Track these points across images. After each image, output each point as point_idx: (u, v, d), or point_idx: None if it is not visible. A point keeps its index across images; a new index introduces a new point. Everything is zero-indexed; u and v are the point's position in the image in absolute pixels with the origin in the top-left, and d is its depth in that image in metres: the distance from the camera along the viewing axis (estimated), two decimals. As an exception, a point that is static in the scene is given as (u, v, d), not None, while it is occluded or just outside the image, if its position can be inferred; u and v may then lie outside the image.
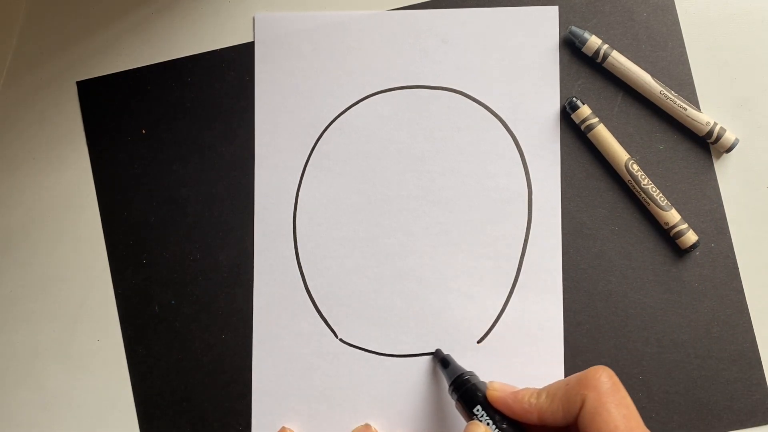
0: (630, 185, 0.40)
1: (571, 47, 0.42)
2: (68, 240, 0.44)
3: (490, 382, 0.36)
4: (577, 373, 0.33)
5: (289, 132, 0.43)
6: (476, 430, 0.33)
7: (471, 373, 0.37)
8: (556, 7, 0.42)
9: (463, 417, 0.36)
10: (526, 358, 0.40)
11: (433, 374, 0.41)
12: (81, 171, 0.44)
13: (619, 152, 0.40)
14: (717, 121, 0.40)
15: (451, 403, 0.40)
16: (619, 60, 0.41)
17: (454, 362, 0.39)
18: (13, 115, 0.44)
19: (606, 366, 0.32)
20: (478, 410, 0.35)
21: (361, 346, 0.42)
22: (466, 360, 0.41)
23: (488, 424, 0.34)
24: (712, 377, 0.40)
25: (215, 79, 0.43)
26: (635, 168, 0.40)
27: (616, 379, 0.32)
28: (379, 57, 0.43)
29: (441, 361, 0.40)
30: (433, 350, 0.41)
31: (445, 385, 0.39)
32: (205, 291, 0.43)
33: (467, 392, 0.36)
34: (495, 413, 0.34)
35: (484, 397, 0.35)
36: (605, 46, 0.41)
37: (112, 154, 0.44)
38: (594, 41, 0.41)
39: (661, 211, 0.40)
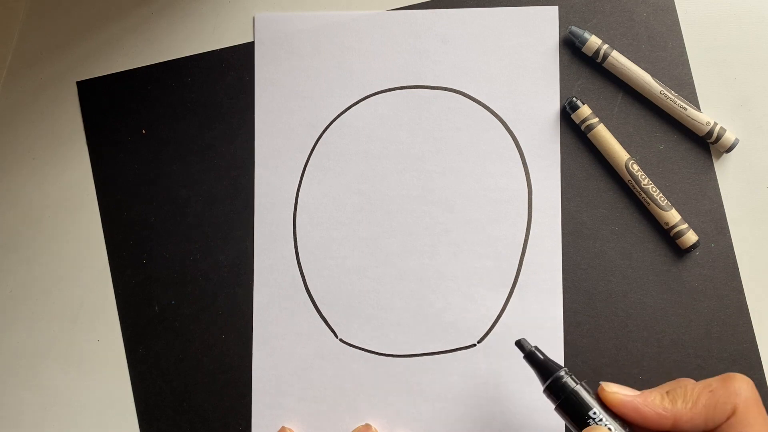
0: (630, 185, 0.40)
1: (571, 47, 0.42)
2: (68, 240, 0.44)
3: (603, 383, 0.32)
4: (718, 379, 0.31)
5: (289, 132, 0.43)
6: None
7: (566, 370, 0.34)
8: (556, 7, 0.42)
9: (566, 421, 0.33)
10: (526, 358, 0.40)
11: (433, 374, 0.41)
12: (81, 171, 0.44)
13: (619, 152, 0.40)
14: (717, 121, 0.40)
15: (450, 402, 0.40)
16: (619, 60, 0.41)
17: (547, 357, 0.34)
18: (13, 115, 0.44)
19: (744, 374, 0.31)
20: (594, 414, 0.31)
21: (361, 346, 0.41)
22: (466, 360, 0.41)
23: (610, 430, 0.31)
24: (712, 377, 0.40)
25: (215, 79, 0.43)
26: (635, 168, 0.40)
27: (756, 390, 0.31)
28: (379, 57, 0.43)
29: (528, 355, 0.35)
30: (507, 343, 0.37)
31: (445, 384, 0.39)
32: (205, 291, 0.43)
33: (574, 395, 0.32)
34: (614, 417, 0.31)
35: (598, 398, 0.32)
36: (605, 46, 0.41)
37: (112, 154, 0.44)
38: (594, 41, 0.41)
39: (661, 211, 0.40)
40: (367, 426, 0.40)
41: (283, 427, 0.41)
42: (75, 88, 0.44)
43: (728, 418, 0.30)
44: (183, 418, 0.42)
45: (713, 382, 0.31)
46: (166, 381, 0.42)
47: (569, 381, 0.33)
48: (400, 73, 0.42)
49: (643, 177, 0.40)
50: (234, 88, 0.43)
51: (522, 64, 0.42)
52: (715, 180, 0.41)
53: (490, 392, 0.40)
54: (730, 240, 0.41)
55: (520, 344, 0.36)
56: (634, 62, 0.41)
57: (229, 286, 0.42)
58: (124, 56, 0.44)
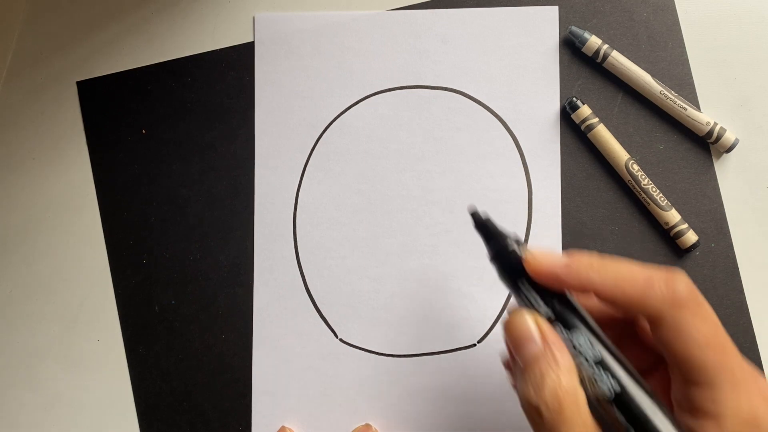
0: (630, 185, 0.40)
1: (571, 47, 0.42)
2: (68, 240, 0.44)
3: (526, 252, 0.29)
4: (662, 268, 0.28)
5: (289, 132, 0.43)
6: (519, 322, 0.28)
7: (512, 238, 0.30)
8: (556, 7, 0.42)
9: (507, 287, 0.31)
10: (526, 358, 0.40)
11: (433, 374, 0.41)
12: (81, 171, 0.44)
13: (619, 152, 0.40)
14: (717, 121, 0.40)
15: (450, 402, 0.40)
16: (619, 60, 0.41)
17: (495, 227, 0.31)
18: (13, 115, 0.44)
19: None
20: (523, 284, 0.29)
21: (361, 346, 0.42)
22: (466, 360, 0.41)
23: (531, 303, 0.29)
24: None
25: (215, 79, 0.43)
26: (635, 168, 0.40)
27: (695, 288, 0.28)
28: (379, 57, 0.43)
29: (479, 226, 0.32)
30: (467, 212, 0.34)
31: (445, 384, 0.39)
32: (205, 291, 0.43)
33: (508, 263, 0.30)
34: (540, 289, 0.29)
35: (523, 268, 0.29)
36: (605, 46, 0.41)
37: (112, 154, 0.44)
38: (594, 41, 0.41)
39: (661, 211, 0.40)
40: (367, 426, 0.40)
41: (283, 427, 0.41)
42: (75, 88, 0.44)
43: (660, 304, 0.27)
44: (183, 418, 0.42)
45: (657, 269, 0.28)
46: (166, 381, 0.42)
47: (503, 249, 0.30)
48: (400, 73, 0.42)
49: (643, 177, 0.40)
50: (234, 88, 0.43)
51: (522, 64, 0.42)
52: (715, 180, 0.41)
53: (490, 392, 0.40)
54: (730, 240, 0.41)
55: (473, 215, 0.33)
56: (634, 62, 0.41)
57: (229, 286, 0.42)
58: (124, 56, 0.44)
